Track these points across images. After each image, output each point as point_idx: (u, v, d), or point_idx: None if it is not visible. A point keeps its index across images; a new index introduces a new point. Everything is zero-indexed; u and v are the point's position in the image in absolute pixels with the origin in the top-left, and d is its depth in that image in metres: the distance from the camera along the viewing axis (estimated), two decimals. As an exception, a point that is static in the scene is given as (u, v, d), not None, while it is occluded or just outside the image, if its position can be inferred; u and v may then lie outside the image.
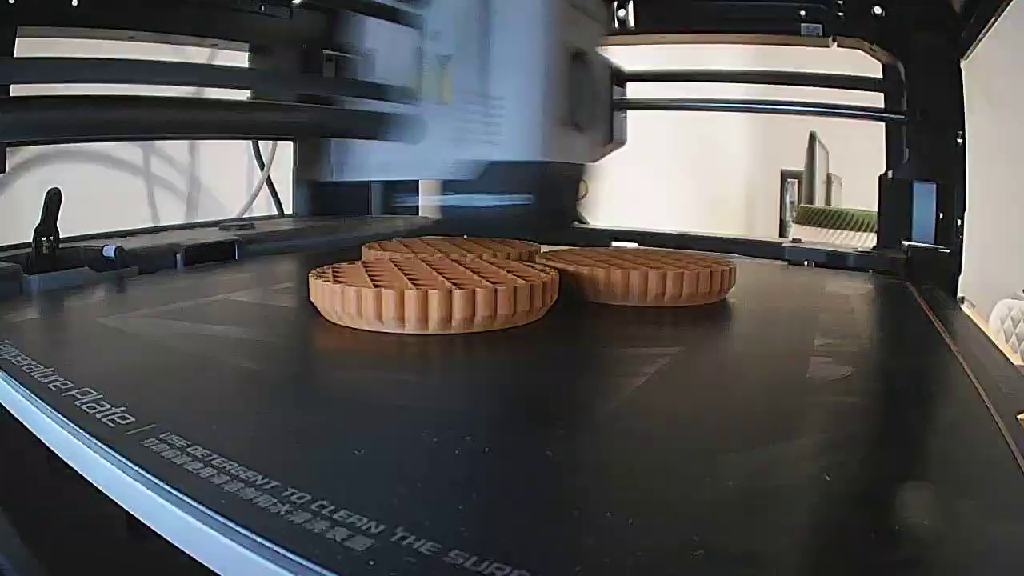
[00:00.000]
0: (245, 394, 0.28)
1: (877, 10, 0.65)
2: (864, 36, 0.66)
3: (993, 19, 0.62)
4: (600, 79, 0.54)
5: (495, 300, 0.37)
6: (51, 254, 0.50)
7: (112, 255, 0.53)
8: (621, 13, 0.73)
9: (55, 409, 0.25)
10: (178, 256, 0.58)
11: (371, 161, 0.54)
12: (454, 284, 0.37)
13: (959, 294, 0.64)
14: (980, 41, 0.64)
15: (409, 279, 0.39)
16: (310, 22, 0.67)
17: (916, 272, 0.63)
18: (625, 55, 0.76)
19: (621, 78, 0.76)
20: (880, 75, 0.69)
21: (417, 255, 0.49)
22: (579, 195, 0.57)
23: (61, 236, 0.51)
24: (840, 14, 0.66)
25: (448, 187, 0.50)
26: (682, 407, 0.28)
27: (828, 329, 0.43)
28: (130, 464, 0.21)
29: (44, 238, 0.50)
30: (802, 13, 0.67)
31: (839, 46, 0.68)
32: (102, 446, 0.23)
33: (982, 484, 0.22)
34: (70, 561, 0.25)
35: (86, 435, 0.23)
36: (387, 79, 0.52)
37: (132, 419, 0.25)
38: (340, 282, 0.38)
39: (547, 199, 0.47)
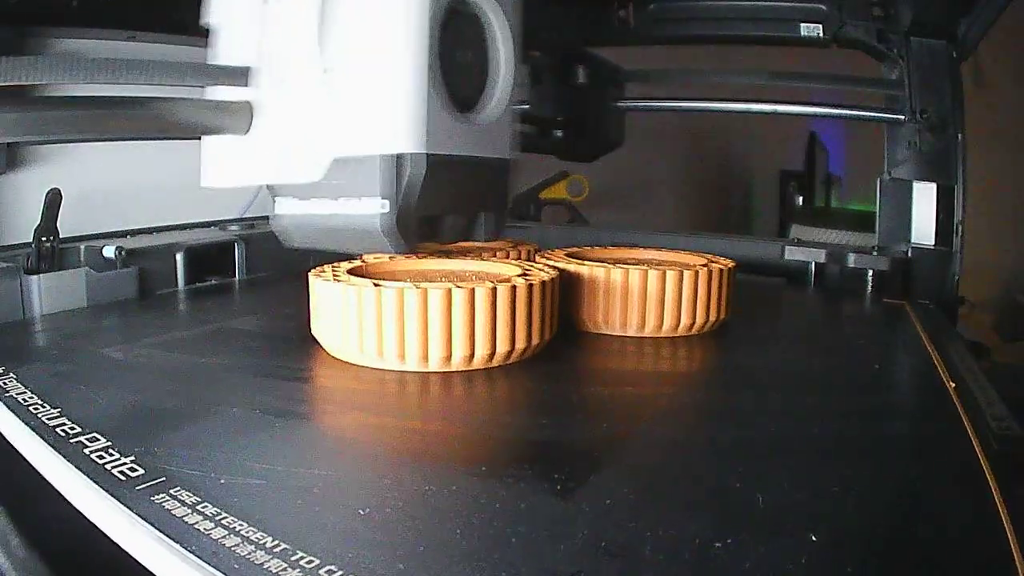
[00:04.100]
0: (250, 442, 0.28)
1: (877, 10, 0.65)
2: (864, 36, 0.66)
3: (993, 20, 0.62)
4: (501, 44, 0.38)
5: (494, 299, 0.37)
6: (51, 254, 0.50)
7: (112, 255, 0.53)
8: (621, 14, 0.73)
9: (65, 459, 0.26)
10: (178, 256, 0.58)
11: (208, 162, 0.40)
12: (455, 284, 0.37)
13: (960, 295, 0.64)
14: (979, 42, 0.64)
15: (410, 278, 0.39)
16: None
17: (916, 273, 0.63)
18: (625, 54, 0.76)
19: (616, 77, 0.76)
20: (880, 75, 0.69)
21: (417, 254, 0.49)
22: (490, 201, 0.41)
23: (61, 236, 0.51)
24: (840, 14, 0.66)
25: (281, 193, 0.37)
26: (679, 461, 0.28)
27: (825, 363, 0.43)
28: (142, 521, 0.21)
29: (44, 238, 0.50)
30: (802, 13, 0.67)
31: (839, 46, 0.68)
32: (113, 501, 0.23)
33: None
34: (70, 561, 0.25)
35: (97, 488, 0.23)
36: (226, 57, 0.38)
37: (141, 471, 0.25)
38: (340, 281, 0.38)
39: (415, 206, 0.34)
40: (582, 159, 0.88)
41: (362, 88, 0.34)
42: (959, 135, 0.63)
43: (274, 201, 0.38)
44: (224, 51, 0.38)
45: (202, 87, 0.38)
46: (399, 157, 0.33)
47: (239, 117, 0.36)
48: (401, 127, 0.33)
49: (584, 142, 0.80)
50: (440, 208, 0.37)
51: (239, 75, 0.37)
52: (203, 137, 0.39)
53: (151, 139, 0.55)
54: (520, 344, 0.38)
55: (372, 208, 0.34)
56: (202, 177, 0.40)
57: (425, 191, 0.34)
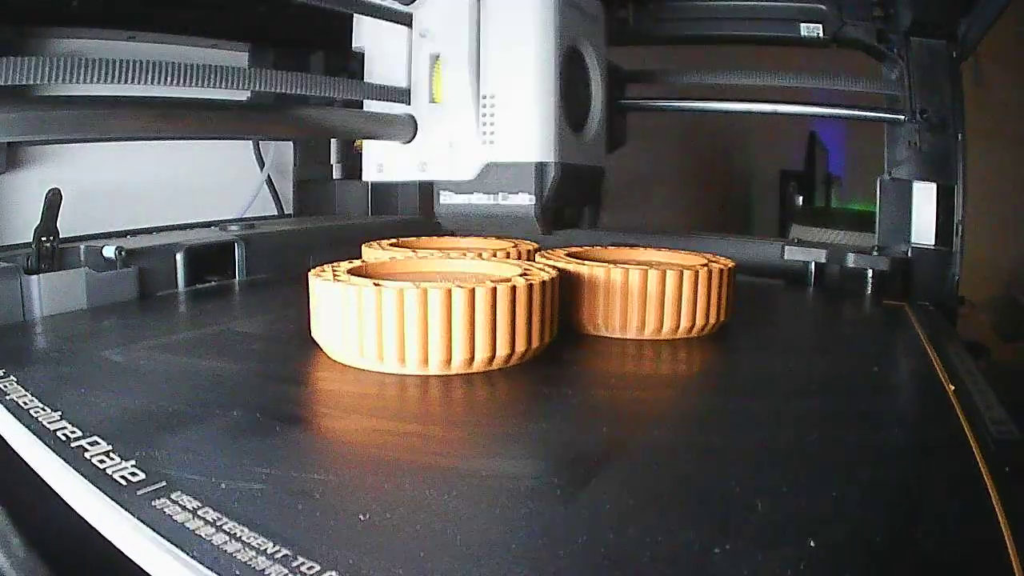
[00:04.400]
0: (251, 446, 0.28)
1: (877, 10, 0.65)
2: (864, 36, 0.66)
3: (993, 20, 0.62)
4: (598, 78, 0.51)
5: (494, 299, 0.37)
6: (51, 254, 0.50)
7: (112, 255, 0.53)
8: (621, 14, 0.73)
9: (66, 462, 0.26)
10: (178, 256, 0.58)
11: (369, 162, 0.52)
12: (455, 284, 0.37)
13: (960, 294, 0.64)
14: (979, 42, 0.64)
15: (410, 278, 0.39)
16: (297, 18, 0.66)
17: (916, 273, 0.63)
18: (624, 54, 0.76)
19: (621, 78, 0.76)
20: (880, 75, 0.69)
21: (417, 254, 0.49)
22: (590, 199, 0.55)
23: (61, 236, 0.51)
24: (840, 14, 0.66)
25: (444, 188, 0.49)
26: (679, 466, 0.28)
27: (824, 366, 0.43)
28: (143, 526, 0.21)
29: (44, 238, 0.50)
30: (802, 13, 0.67)
31: (839, 46, 0.68)
32: (114, 506, 0.23)
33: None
34: (70, 565, 0.25)
35: (98, 492, 0.24)
36: (379, 78, 0.50)
37: (142, 476, 0.25)
38: (340, 281, 0.38)
39: (551, 200, 0.46)
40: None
41: (513, 113, 0.45)
42: (959, 135, 0.63)
43: (438, 194, 0.50)
44: (378, 71, 0.50)
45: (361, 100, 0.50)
46: (543, 165, 0.46)
47: (406, 128, 0.48)
48: (544, 143, 0.45)
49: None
50: (565, 201, 0.48)
51: (401, 94, 0.48)
52: (365, 142, 0.52)
53: (327, 136, 0.73)
54: (520, 347, 0.38)
55: (525, 200, 0.46)
56: (364, 174, 0.53)
57: (558, 189, 0.46)
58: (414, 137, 0.49)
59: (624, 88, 0.76)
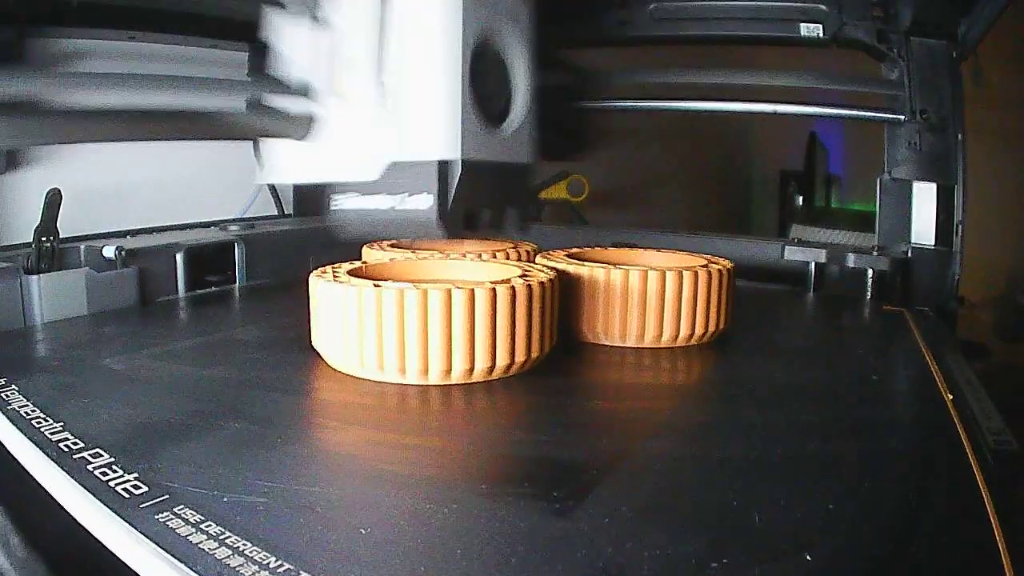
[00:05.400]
0: (253, 458, 0.28)
1: (877, 10, 0.65)
2: (864, 36, 0.66)
3: (993, 20, 0.62)
4: (521, 68, 0.46)
5: (494, 299, 0.37)
6: (51, 254, 0.50)
7: (112, 255, 0.53)
8: (621, 14, 0.73)
9: (68, 475, 0.26)
10: (178, 256, 0.58)
11: (268, 161, 0.48)
12: (456, 285, 0.37)
13: (960, 295, 0.64)
14: (979, 42, 0.64)
15: (410, 280, 0.39)
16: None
17: (916, 273, 0.63)
18: (623, 52, 0.76)
19: (589, 80, 0.76)
20: (880, 75, 0.69)
21: (417, 256, 0.49)
22: (515, 199, 0.48)
23: (61, 236, 0.51)
24: (840, 14, 0.66)
25: (341, 190, 0.45)
26: (677, 479, 0.28)
27: (823, 375, 0.43)
28: (147, 539, 0.22)
29: (44, 238, 0.50)
30: (802, 13, 0.67)
31: (839, 46, 0.68)
32: (117, 519, 0.23)
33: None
34: (70, 561, 0.25)
35: (101, 505, 0.24)
36: (287, 73, 0.46)
37: (145, 488, 0.25)
38: (341, 282, 0.38)
39: (457, 200, 0.41)
40: (565, 159, 0.88)
41: (414, 107, 0.42)
42: (959, 135, 0.63)
43: (331, 198, 0.46)
44: (285, 65, 0.46)
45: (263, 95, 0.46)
46: (446, 163, 0.42)
47: (302, 125, 0.45)
48: (447, 139, 0.41)
49: (563, 144, 0.81)
50: (475, 203, 0.44)
51: (304, 89, 0.45)
52: (264, 141, 0.48)
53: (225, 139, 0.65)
54: (520, 353, 0.38)
55: (423, 203, 0.42)
56: (261, 174, 0.48)
57: (462, 189, 0.42)
58: (309, 134, 0.45)
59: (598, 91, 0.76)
